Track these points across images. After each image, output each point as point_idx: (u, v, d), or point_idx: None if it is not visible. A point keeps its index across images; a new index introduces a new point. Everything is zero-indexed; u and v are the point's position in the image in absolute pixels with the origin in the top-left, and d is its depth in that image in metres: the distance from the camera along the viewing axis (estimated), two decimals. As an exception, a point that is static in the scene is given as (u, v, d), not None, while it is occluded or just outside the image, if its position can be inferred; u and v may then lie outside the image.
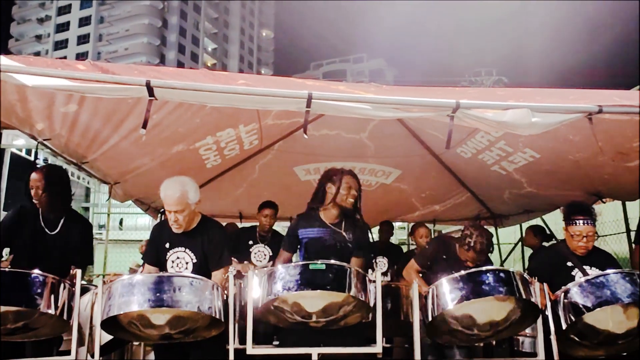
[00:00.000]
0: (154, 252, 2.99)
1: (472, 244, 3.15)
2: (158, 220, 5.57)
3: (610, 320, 2.61)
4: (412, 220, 6.63)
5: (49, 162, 5.06)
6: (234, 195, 5.91)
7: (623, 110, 2.42)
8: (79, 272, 2.58)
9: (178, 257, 2.91)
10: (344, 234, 3.03)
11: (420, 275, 3.44)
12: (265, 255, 4.69)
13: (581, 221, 2.95)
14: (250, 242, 4.74)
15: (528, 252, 5.84)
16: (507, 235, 8.02)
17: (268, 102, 2.41)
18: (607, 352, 2.78)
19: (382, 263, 5.50)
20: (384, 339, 4.42)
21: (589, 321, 2.62)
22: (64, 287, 2.57)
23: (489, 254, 3.29)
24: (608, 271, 2.65)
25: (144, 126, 2.28)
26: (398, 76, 71.01)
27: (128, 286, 2.38)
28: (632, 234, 5.84)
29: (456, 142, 4.48)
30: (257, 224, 4.88)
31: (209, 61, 60.74)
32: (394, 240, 6.26)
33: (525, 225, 6.28)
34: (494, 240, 7.57)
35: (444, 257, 3.34)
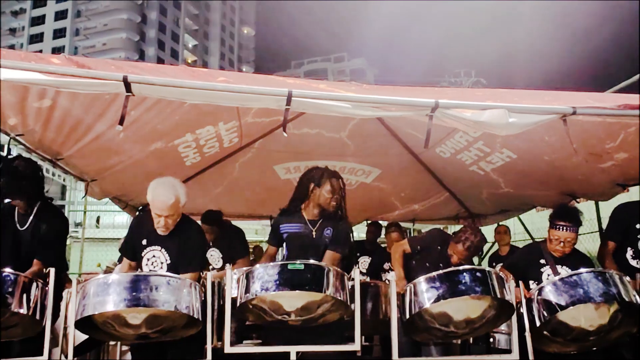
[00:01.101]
0: (131, 248, 2.94)
1: (463, 239, 3.31)
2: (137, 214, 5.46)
3: (582, 318, 2.68)
4: (392, 219, 6.68)
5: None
6: (213, 194, 5.86)
7: (596, 112, 2.49)
8: (52, 270, 2.51)
9: (154, 256, 2.87)
10: (323, 230, 3.06)
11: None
12: (217, 259, 4.57)
13: (563, 227, 3.02)
14: None
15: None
16: (486, 235, 8.14)
17: (248, 99, 2.39)
18: (578, 348, 2.86)
19: (365, 263, 5.52)
20: (363, 337, 4.45)
21: (562, 319, 2.69)
22: (37, 286, 2.51)
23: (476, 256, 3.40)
24: (581, 270, 2.72)
25: (121, 122, 2.24)
26: (379, 76, 71.54)
27: (103, 285, 2.33)
28: (605, 233, 6.01)
29: (435, 142, 4.52)
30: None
31: (189, 58, 60.09)
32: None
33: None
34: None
35: (439, 247, 3.45)
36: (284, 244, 3.16)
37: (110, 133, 3.44)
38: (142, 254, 2.88)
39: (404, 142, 5.14)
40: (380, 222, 6.35)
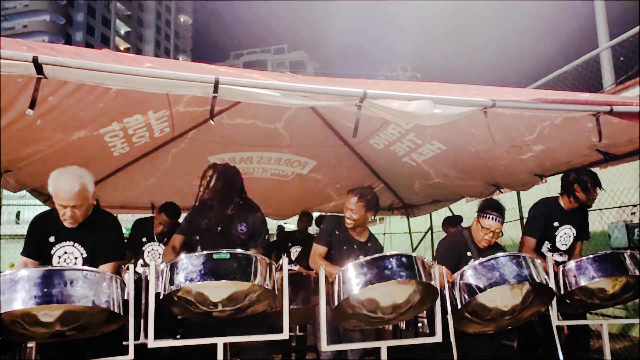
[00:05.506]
0: (35, 248, 2.71)
1: (354, 192, 3.25)
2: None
3: (498, 299, 2.85)
4: (328, 210, 6.75)
5: None
6: (145, 186, 5.65)
7: (513, 105, 2.62)
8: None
9: (66, 252, 2.69)
10: (237, 224, 3.02)
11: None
12: (159, 254, 4.39)
13: (494, 217, 3.16)
14: (144, 240, 4.38)
15: (437, 240, 6.12)
16: (419, 225, 8.45)
17: (173, 85, 2.30)
18: (495, 327, 3.05)
19: (296, 253, 5.52)
20: (297, 327, 4.48)
21: (481, 300, 2.85)
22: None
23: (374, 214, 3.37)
24: (498, 254, 2.89)
25: (32, 107, 2.09)
26: (318, 68, 71.95)
27: (10, 282, 2.14)
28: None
29: (369, 134, 4.61)
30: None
31: (121, 45, 57.25)
32: (310, 230, 6.30)
33: (435, 215, 6.62)
34: (406, 229, 7.87)
35: (337, 232, 3.38)
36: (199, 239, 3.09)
37: (26, 120, 3.20)
38: (52, 252, 2.69)
39: (339, 133, 5.19)
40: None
